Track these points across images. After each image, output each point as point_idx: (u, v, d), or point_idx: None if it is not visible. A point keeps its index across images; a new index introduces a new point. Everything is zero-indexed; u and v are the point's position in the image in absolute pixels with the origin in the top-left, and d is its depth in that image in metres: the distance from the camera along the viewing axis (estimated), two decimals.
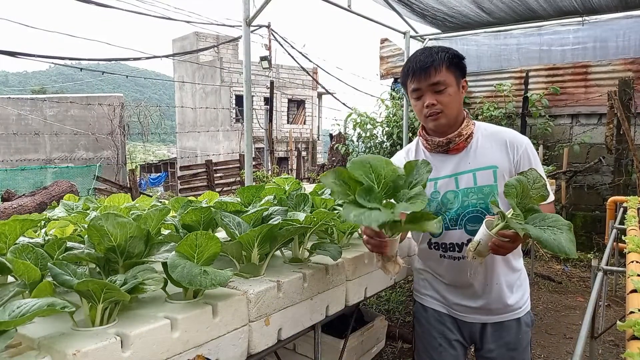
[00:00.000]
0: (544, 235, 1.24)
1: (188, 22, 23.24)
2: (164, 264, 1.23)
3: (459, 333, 1.74)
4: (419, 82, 1.57)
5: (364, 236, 1.38)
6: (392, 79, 8.43)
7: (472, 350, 1.81)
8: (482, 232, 1.38)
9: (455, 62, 1.58)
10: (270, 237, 1.46)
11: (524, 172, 1.39)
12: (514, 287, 1.66)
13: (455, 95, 1.58)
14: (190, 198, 2.18)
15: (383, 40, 8.42)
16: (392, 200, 1.26)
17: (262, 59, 12.40)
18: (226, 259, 1.51)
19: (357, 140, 7.69)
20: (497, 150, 1.60)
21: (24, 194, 6.29)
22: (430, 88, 1.56)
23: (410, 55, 1.82)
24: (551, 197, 1.53)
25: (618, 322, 1.04)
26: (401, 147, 6.38)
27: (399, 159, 1.76)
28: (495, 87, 6.98)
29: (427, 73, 1.55)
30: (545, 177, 1.42)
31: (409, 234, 1.80)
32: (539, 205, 1.38)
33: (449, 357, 1.73)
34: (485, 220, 1.40)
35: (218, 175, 12.96)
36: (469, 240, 1.54)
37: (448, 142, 1.62)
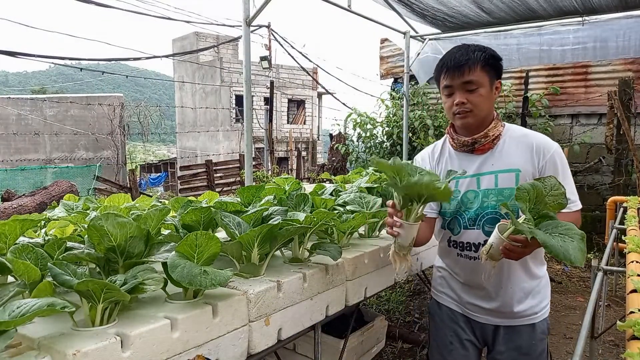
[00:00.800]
0: (552, 241, 1.23)
1: (188, 22, 23.27)
2: (164, 264, 1.24)
3: (472, 333, 1.72)
4: (452, 80, 1.56)
5: (387, 216, 1.47)
6: (392, 79, 8.43)
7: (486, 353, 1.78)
8: (495, 235, 1.38)
9: (491, 63, 1.56)
10: (270, 237, 1.46)
11: (541, 178, 1.37)
12: (532, 293, 1.63)
13: (487, 96, 1.57)
14: (190, 198, 2.18)
15: (383, 40, 8.41)
16: None
17: (262, 59, 12.38)
18: (226, 259, 1.51)
19: (357, 140, 7.68)
20: (522, 154, 1.58)
21: (24, 194, 6.30)
22: (462, 86, 1.55)
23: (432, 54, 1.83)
24: (577, 206, 1.52)
25: (618, 322, 1.04)
26: (401, 147, 6.37)
27: (423, 156, 1.79)
28: None
29: (461, 71, 1.53)
30: (565, 186, 1.38)
31: (432, 240, 1.80)
32: (558, 213, 1.36)
33: (460, 357, 1.72)
34: (498, 224, 1.39)
35: (218, 175, 12.96)
36: (486, 241, 1.53)
37: (474, 142, 1.61)
